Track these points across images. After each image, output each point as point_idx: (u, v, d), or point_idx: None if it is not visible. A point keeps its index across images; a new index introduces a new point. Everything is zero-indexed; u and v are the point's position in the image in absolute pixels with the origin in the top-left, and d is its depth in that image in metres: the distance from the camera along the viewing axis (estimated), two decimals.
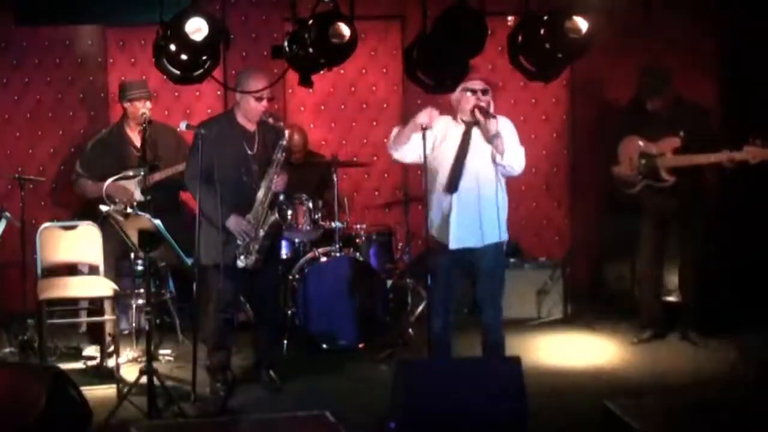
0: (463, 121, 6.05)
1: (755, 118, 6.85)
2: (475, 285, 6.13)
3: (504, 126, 6.01)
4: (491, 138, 5.95)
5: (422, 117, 5.91)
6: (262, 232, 6.19)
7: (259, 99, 6.13)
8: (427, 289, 6.11)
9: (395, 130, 6.11)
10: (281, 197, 6.25)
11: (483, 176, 5.97)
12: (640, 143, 7.18)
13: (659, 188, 7.12)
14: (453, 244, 5.96)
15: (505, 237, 6.03)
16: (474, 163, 5.97)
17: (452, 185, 5.97)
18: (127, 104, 7.33)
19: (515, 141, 6.04)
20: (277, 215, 6.21)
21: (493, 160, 5.95)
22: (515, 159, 5.99)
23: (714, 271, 7.64)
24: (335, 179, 7.40)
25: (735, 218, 8.31)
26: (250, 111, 6.18)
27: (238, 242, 6.17)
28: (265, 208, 6.19)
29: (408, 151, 6.04)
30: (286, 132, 6.21)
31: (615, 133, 7.41)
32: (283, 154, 6.20)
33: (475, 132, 6.02)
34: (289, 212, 6.26)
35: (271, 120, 6.22)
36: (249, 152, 6.22)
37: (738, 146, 6.78)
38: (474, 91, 5.98)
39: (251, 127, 6.25)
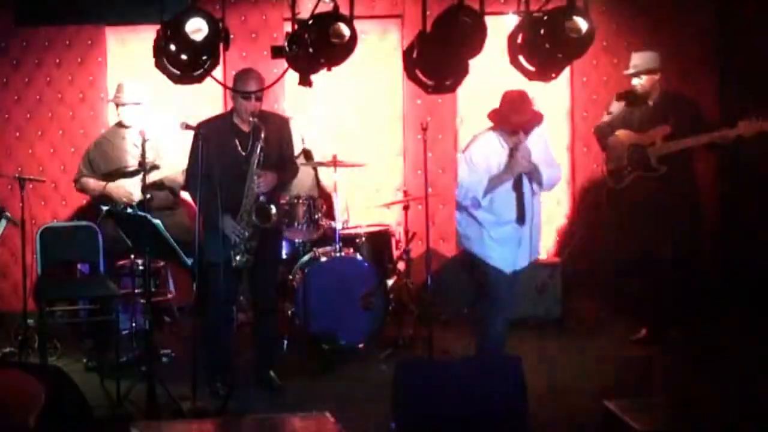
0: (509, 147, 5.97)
1: (752, 114, 6.87)
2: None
3: (536, 143, 5.96)
4: (529, 172, 5.94)
5: (525, 167, 5.87)
6: (247, 234, 6.21)
7: (246, 97, 6.15)
8: (483, 306, 6.20)
9: (478, 187, 5.93)
10: (262, 198, 6.23)
11: (534, 196, 6.02)
12: (629, 135, 7.20)
13: (650, 179, 7.13)
14: (523, 264, 6.10)
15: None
16: (526, 188, 5.97)
17: (522, 219, 5.96)
18: (119, 108, 7.36)
19: (549, 158, 6.01)
20: (254, 217, 6.21)
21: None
22: (552, 182, 6.08)
23: (710, 269, 7.65)
24: (334, 179, 7.39)
25: (731, 216, 8.33)
26: (239, 109, 6.22)
27: (231, 242, 6.18)
28: (249, 209, 6.21)
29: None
30: (262, 132, 6.20)
31: (602, 127, 7.43)
32: (261, 154, 6.20)
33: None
34: (272, 212, 6.25)
35: (255, 120, 6.22)
36: (242, 153, 6.23)
37: (733, 124, 6.83)
38: (516, 132, 5.91)
39: (246, 127, 6.26)
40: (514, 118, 5.89)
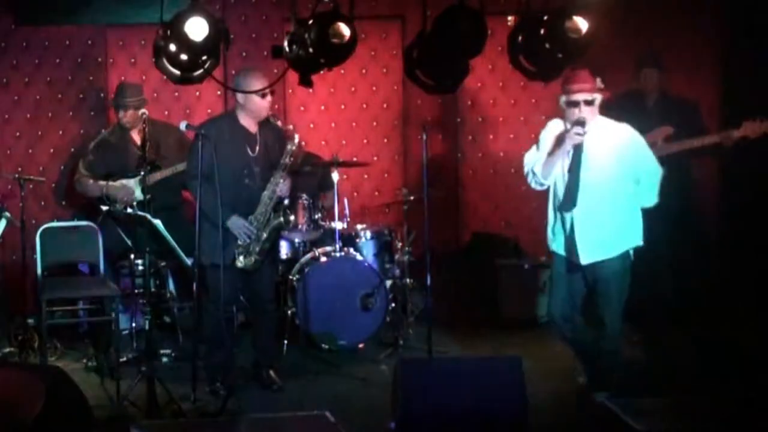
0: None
1: (755, 115, 6.86)
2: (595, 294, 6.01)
3: (622, 137, 5.86)
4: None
5: (575, 139, 5.74)
6: (264, 235, 6.20)
7: (263, 96, 6.13)
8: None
9: (537, 162, 5.89)
10: (286, 201, 6.27)
11: (601, 186, 5.81)
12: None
13: None
14: (583, 260, 5.87)
15: (630, 245, 5.91)
16: (590, 173, 5.80)
17: (568, 203, 5.82)
18: (120, 111, 7.35)
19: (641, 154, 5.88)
20: (281, 218, 6.22)
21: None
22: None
23: (710, 269, 7.65)
24: (335, 181, 7.39)
25: (732, 216, 8.32)
26: (257, 109, 6.18)
27: (239, 243, 6.17)
28: (268, 211, 6.21)
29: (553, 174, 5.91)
30: (296, 137, 6.23)
31: None
32: (291, 159, 6.22)
33: (587, 140, 5.80)
34: (292, 217, 6.30)
35: (279, 123, 6.24)
36: (251, 154, 6.23)
37: (737, 125, 6.80)
38: (576, 104, 5.81)
39: (253, 128, 6.26)
40: (573, 86, 5.83)
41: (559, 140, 5.85)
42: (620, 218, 5.86)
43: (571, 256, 5.94)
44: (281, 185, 6.21)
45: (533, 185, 6.01)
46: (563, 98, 5.89)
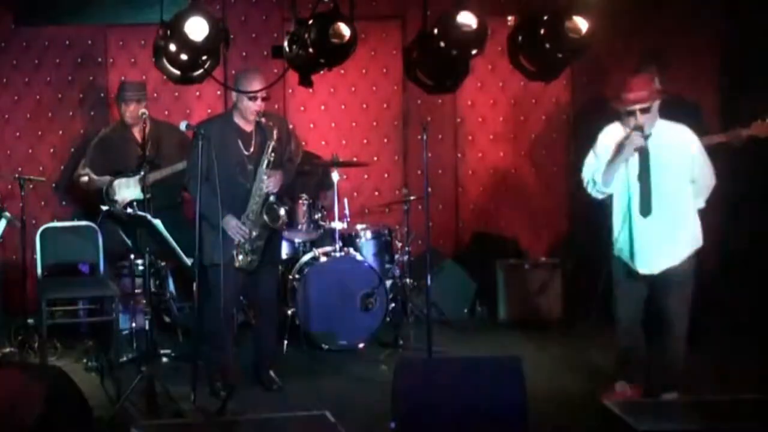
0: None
1: (755, 116, 6.85)
2: (658, 299, 5.86)
3: (682, 139, 5.77)
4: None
5: (636, 142, 5.66)
6: (254, 233, 6.20)
7: (252, 98, 6.13)
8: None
9: (597, 170, 5.80)
10: (272, 198, 6.23)
11: (667, 191, 5.72)
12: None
13: None
14: (648, 269, 5.78)
15: (693, 248, 5.81)
16: (656, 179, 5.71)
17: (645, 209, 5.72)
18: (123, 106, 7.35)
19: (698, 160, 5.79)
20: (265, 217, 6.21)
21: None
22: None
23: (711, 270, 7.63)
24: (335, 181, 7.38)
25: (733, 217, 8.32)
26: (245, 110, 6.19)
27: (235, 242, 6.18)
28: (258, 209, 6.20)
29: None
30: (275, 132, 6.20)
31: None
32: (273, 154, 6.19)
33: (651, 145, 5.70)
34: (281, 213, 6.25)
35: (263, 120, 6.22)
36: (245, 152, 6.22)
37: (746, 125, 6.78)
38: (632, 113, 5.68)
39: (248, 127, 6.25)
40: (629, 95, 5.69)
41: (620, 146, 5.73)
42: (683, 223, 5.78)
43: (632, 265, 5.84)
44: (266, 182, 6.20)
45: (594, 194, 5.88)
46: (620, 106, 5.76)
